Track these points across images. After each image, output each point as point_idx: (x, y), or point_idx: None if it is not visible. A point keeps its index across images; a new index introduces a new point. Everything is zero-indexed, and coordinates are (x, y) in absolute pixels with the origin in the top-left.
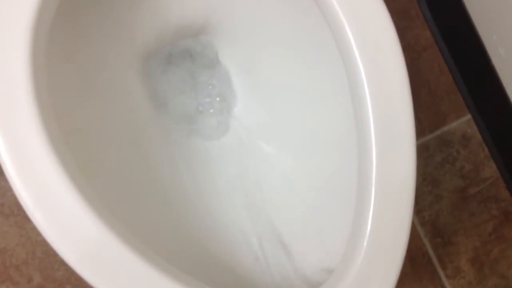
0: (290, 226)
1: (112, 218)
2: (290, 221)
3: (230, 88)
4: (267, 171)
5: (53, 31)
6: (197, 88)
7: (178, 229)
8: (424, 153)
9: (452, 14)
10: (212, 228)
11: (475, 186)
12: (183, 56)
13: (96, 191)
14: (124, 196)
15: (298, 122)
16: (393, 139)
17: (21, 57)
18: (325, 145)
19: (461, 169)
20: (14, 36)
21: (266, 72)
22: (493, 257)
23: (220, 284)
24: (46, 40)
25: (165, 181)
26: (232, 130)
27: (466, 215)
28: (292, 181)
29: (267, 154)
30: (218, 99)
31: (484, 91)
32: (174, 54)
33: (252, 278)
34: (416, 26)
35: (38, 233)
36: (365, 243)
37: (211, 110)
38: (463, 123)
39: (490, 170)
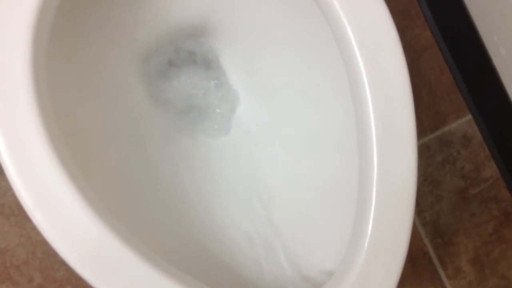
0: (290, 226)
1: (112, 218)
2: (290, 221)
3: (230, 88)
4: (267, 171)
5: (54, 31)
6: (197, 88)
7: (178, 229)
8: (425, 153)
9: (452, 14)
10: (212, 228)
11: (476, 186)
12: (183, 56)
13: (96, 191)
14: (124, 196)
15: (298, 122)
16: (394, 139)
17: (21, 57)
18: (326, 145)
19: (461, 169)
20: (14, 36)
21: (266, 72)
22: (494, 257)
23: (220, 284)
24: (46, 40)
25: (165, 181)
26: (232, 130)
27: (467, 215)
28: (292, 181)
29: (267, 154)
30: (218, 99)
31: (484, 91)
32: (174, 54)
33: (252, 278)
34: (416, 26)
35: (38, 233)
36: (366, 244)
37: (211, 110)
38: (463, 123)
39: (491, 170)
